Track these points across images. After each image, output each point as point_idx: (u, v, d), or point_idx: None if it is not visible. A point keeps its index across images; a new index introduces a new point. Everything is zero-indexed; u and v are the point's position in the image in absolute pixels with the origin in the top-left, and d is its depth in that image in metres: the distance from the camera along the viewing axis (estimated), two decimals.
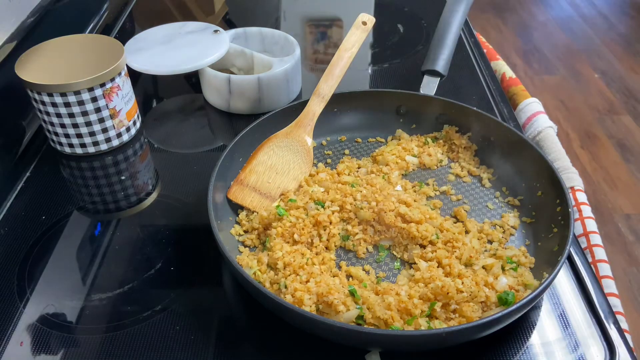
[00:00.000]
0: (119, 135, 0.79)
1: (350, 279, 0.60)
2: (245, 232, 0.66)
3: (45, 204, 0.72)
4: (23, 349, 0.55)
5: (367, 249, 0.64)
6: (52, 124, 0.75)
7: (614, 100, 2.50)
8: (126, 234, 0.68)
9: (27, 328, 0.57)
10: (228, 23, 1.17)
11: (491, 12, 3.26)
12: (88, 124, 0.75)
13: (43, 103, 0.73)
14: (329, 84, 0.76)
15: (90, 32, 1.05)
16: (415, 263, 0.61)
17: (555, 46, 2.91)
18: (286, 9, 1.23)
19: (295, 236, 0.62)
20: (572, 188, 0.77)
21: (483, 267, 0.60)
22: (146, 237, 0.67)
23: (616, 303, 0.65)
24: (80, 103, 0.73)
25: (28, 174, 0.77)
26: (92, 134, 0.76)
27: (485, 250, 0.63)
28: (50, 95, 0.71)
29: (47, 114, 0.74)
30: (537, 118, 0.87)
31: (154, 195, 0.74)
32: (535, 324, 0.57)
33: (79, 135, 0.76)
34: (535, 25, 3.13)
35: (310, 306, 0.54)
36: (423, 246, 0.63)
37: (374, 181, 0.70)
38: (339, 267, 0.62)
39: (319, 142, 0.79)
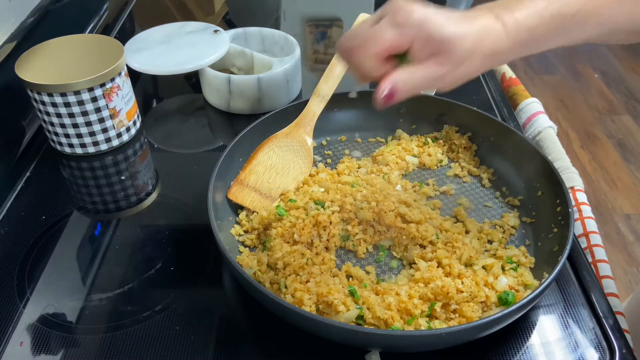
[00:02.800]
0: (119, 135, 0.79)
1: (350, 279, 0.60)
2: (245, 232, 0.66)
3: (45, 204, 0.72)
4: (23, 349, 0.55)
5: (367, 249, 0.64)
6: (52, 124, 0.75)
7: (614, 100, 2.50)
8: (126, 234, 0.68)
9: (27, 328, 0.57)
10: (228, 23, 1.17)
11: None
12: (88, 124, 0.75)
13: (43, 103, 0.73)
14: (329, 84, 0.76)
15: (90, 32, 1.05)
16: (415, 263, 0.61)
17: None
18: (286, 9, 1.23)
19: (295, 236, 0.62)
20: (572, 188, 0.77)
21: (483, 267, 0.60)
22: (146, 237, 0.67)
23: (616, 303, 0.65)
24: (80, 103, 0.73)
25: (28, 174, 0.77)
26: (92, 134, 0.76)
27: (485, 250, 0.63)
28: (50, 95, 0.71)
29: (47, 114, 0.74)
30: (537, 118, 0.87)
31: (154, 195, 0.74)
32: (535, 324, 0.57)
33: (79, 135, 0.76)
34: None
35: (310, 306, 0.54)
36: (423, 246, 0.63)
37: (374, 181, 0.71)
38: (339, 267, 0.61)
39: (319, 142, 0.79)
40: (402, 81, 0.45)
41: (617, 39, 0.52)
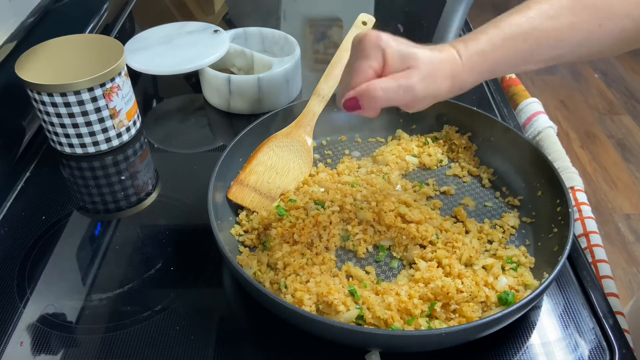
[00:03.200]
0: (119, 135, 0.79)
1: (350, 279, 0.60)
2: (245, 232, 0.66)
3: (45, 204, 0.72)
4: (23, 349, 0.55)
5: (367, 249, 0.64)
6: (52, 124, 0.75)
7: (614, 100, 2.49)
8: (126, 234, 0.68)
9: (27, 328, 0.57)
10: (228, 23, 1.17)
11: (491, 12, 3.24)
12: (88, 124, 0.75)
13: (43, 103, 0.73)
14: (329, 84, 0.76)
15: (90, 32, 1.05)
16: (415, 263, 0.61)
17: None
18: (286, 9, 1.23)
19: (295, 236, 0.62)
20: (572, 188, 0.77)
21: (483, 267, 0.60)
22: (146, 237, 0.67)
23: (616, 303, 0.65)
24: (80, 103, 0.73)
25: (28, 174, 0.77)
26: (92, 134, 0.76)
27: (485, 250, 0.63)
28: (50, 95, 0.71)
29: (47, 114, 0.74)
30: (537, 118, 0.87)
31: (154, 195, 0.74)
32: (535, 324, 0.57)
33: (79, 135, 0.76)
34: None
35: (310, 306, 0.54)
36: (423, 246, 0.63)
37: (374, 181, 0.70)
38: (339, 267, 0.61)
39: (319, 142, 0.79)
40: (373, 87, 0.48)
41: (582, 57, 0.54)
